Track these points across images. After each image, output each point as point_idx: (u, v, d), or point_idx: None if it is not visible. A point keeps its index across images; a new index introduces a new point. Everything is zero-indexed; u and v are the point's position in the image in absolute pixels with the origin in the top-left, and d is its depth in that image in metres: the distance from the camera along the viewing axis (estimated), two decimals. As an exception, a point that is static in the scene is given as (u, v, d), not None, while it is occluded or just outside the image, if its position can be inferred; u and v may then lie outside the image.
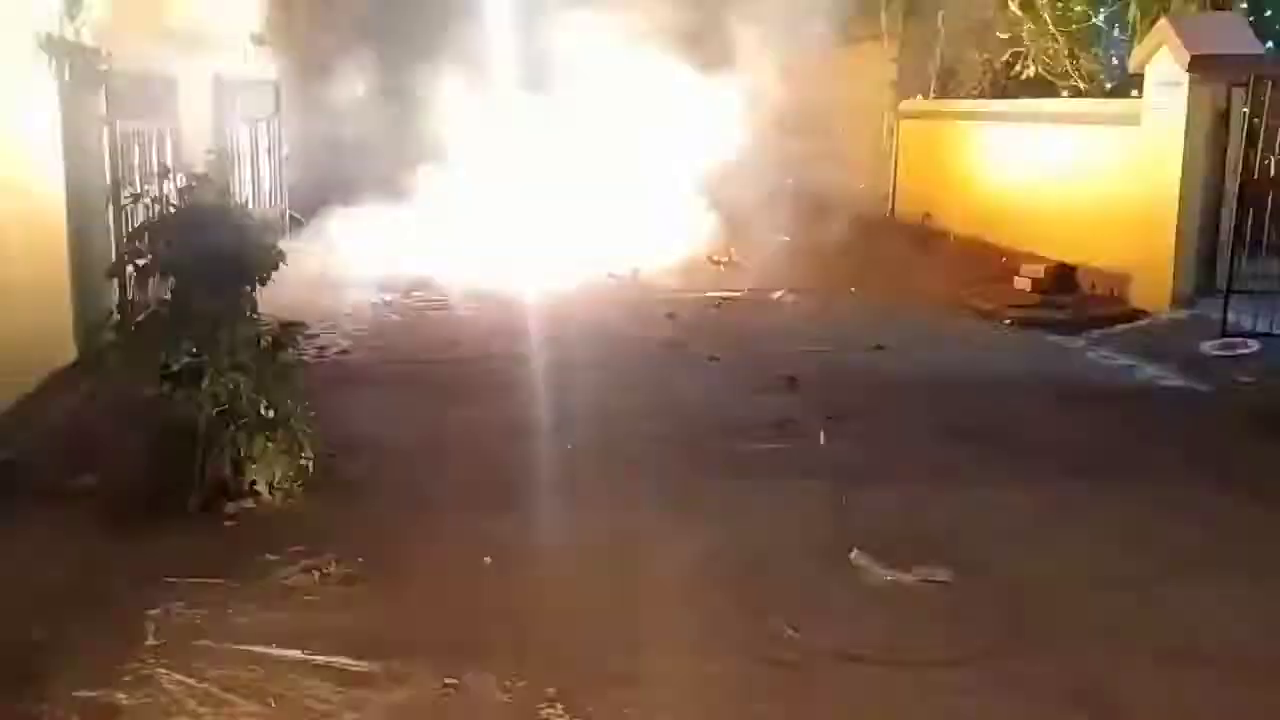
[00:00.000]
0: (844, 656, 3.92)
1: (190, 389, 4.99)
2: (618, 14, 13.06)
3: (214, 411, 4.98)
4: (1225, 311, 8.53)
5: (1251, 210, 8.73)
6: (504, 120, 14.48)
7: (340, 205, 13.23)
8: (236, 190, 10.54)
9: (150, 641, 3.92)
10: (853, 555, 4.72)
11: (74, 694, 3.59)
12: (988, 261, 12.14)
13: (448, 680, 3.70)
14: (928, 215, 14.32)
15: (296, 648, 3.89)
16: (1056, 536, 5.09)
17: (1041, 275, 11.01)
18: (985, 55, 13.75)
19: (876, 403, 7.20)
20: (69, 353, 6.58)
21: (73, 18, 6.81)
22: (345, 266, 10.97)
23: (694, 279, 11.60)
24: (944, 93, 15.03)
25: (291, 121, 14.10)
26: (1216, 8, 10.10)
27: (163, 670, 3.73)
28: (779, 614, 4.20)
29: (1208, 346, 8.46)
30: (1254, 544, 5.05)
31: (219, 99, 10.76)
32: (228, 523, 4.94)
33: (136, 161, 7.85)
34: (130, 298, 7.13)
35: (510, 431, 6.43)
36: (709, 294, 10.92)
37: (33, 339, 6.26)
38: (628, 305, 10.36)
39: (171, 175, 8.42)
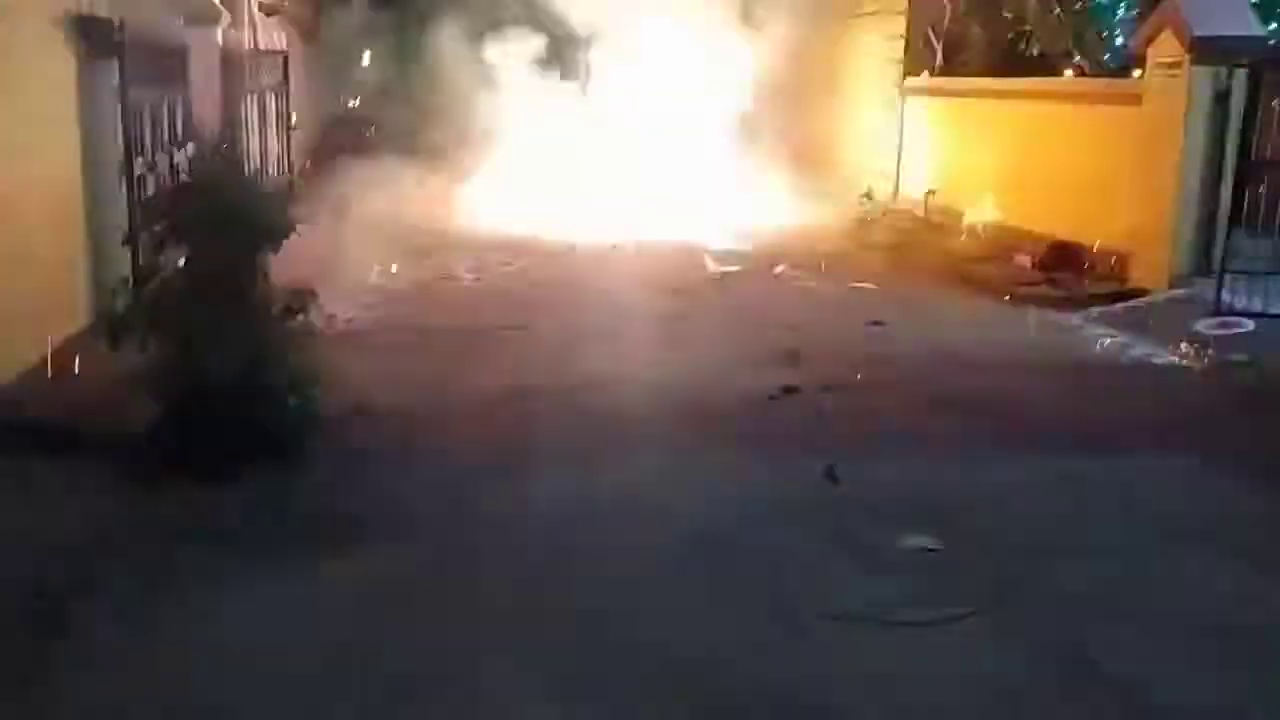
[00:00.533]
0: (837, 617, 4.06)
1: (203, 353, 5.12)
2: None
3: (226, 376, 5.10)
4: (1219, 291, 8.64)
5: (1248, 191, 8.83)
6: (524, 89, 14.55)
7: (352, 174, 13.38)
8: (246, 159, 10.66)
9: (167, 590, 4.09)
10: (844, 523, 4.87)
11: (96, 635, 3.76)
12: (989, 238, 12.25)
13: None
14: (931, 192, 14.39)
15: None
16: (1048, 506, 5.22)
17: (1041, 253, 11.11)
18: (990, 33, 13.78)
19: (873, 377, 7.33)
20: (84, 317, 6.71)
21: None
22: (356, 234, 11.10)
23: (698, 254, 11.71)
24: (949, 71, 15.07)
25: (300, 90, 14.19)
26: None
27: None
28: (776, 579, 4.35)
29: (1203, 325, 8.57)
30: (1239, 515, 5.18)
31: (229, 69, 10.84)
32: (240, 482, 5.08)
33: (149, 130, 7.95)
34: (143, 264, 7.27)
35: (512, 394, 6.58)
36: (710, 269, 11.03)
37: (50, 303, 6.40)
38: (630, 280, 10.46)
39: (183, 144, 8.59)
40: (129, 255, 7.37)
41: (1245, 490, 5.48)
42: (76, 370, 6.35)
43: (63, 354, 6.38)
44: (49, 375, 6.23)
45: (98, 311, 6.59)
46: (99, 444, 5.48)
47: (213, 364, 5.07)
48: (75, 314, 6.71)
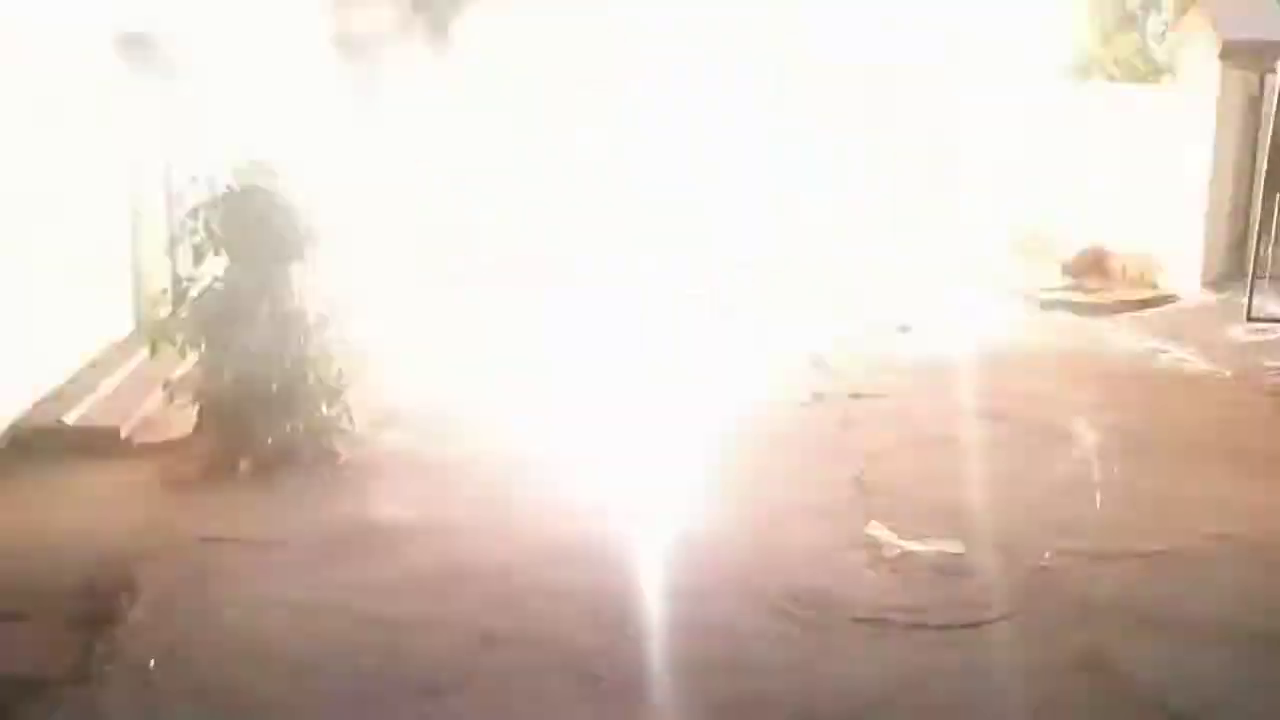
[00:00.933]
0: (861, 619, 4.12)
1: (241, 360, 5.26)
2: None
3: (264, 382, 5.24)
4: (1250, 296, 8.60)
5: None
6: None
7: None
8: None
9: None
10: (869, 527, 4.92)
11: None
12: (1021, 242, 12.19)
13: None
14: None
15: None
16: (1073, 512, 5.24)
17: (1073, 258, 11.07)
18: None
19: (901, 382, 7.36)
20: (127, 324, 6.88)
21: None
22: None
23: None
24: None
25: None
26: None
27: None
28: (796, 579, 4.42)
29: (1235, 331, 8.54)
30: (1271, 525, 5.17)
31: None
32: (277, 485, 5.21)
33: (189, 142, 8.11)
34: (183, 273, 7.43)
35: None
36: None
37: (94, 311, 6.57)
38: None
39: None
40: (170, 264, 7.54)
41: (1266, 493, 5.46)
42: (119, 377, 6.51)
43: (106, 360, 6.55)
44: (93, 381, 6.39)
45: (140, 320, 6.76)
46: (142, 449, 5.64)
47: (249, 371, 5.21)
48: (122, 320, 6.88)
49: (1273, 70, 9.02)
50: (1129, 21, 11.96)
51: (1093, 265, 10.91)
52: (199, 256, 5.75)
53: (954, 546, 4.75)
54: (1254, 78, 9.13)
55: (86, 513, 4.93)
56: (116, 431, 5.74)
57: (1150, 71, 11.54)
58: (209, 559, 4.49)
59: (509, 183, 11.28)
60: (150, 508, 4.99)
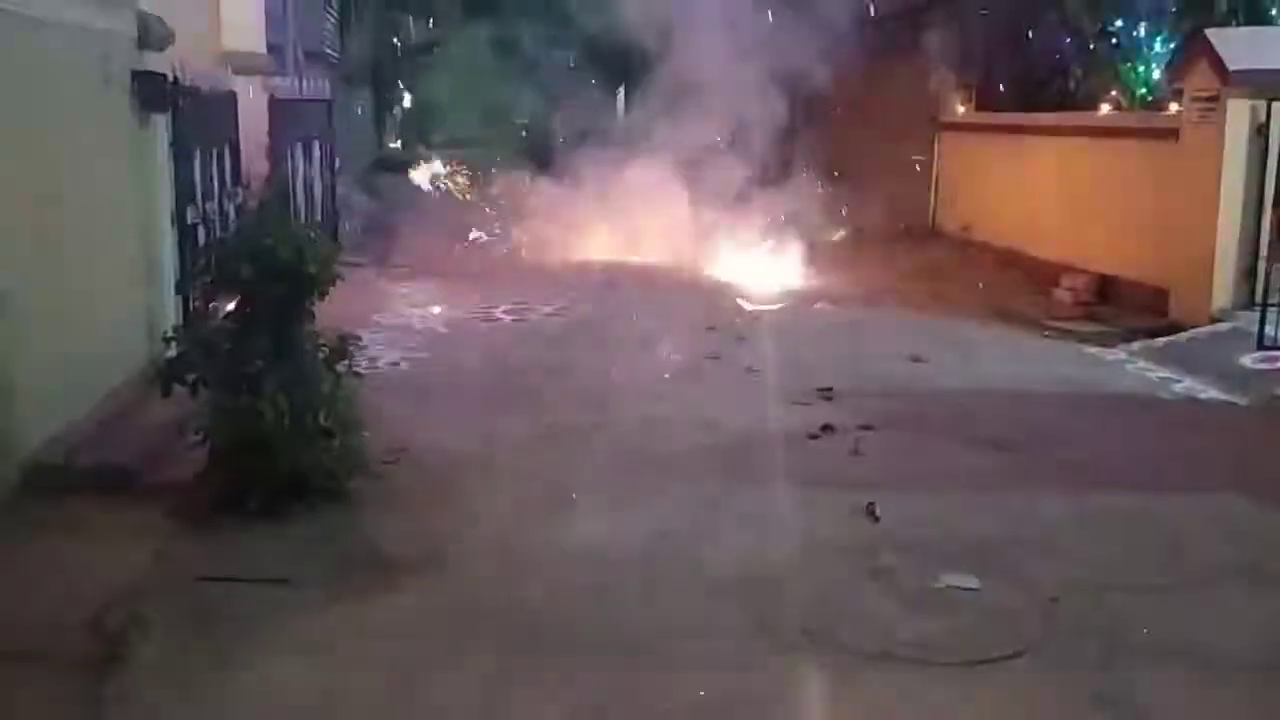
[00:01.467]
0: (877, 656, 4.08)
1: (253, 398, 5.26)
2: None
3: (275, 419, 5.24)
4: (1262, 325, 8.57)
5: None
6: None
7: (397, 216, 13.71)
8: (293, 207, 10.91)
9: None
10: (883, 560, 4.89)
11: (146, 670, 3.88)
12: (1028, 273, 12.23)
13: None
14: (966, 227, 14.39)
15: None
16: (1088, 546, 5.20)
17: (1081, 287, 11.08)
18: (1026, 67, 13.81)
19: (912, 414, 7.34)
20: (138, 363, 6.89)
21: (143, 47, 7.15)
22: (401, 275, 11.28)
23: (732, 288, 11.78)
24: (985, 105, 15.11)
25: (343, 134, 14.51)
26: (1255, 22, 10.11)
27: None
28: (810, 618, 4.38)
29: (1246, 360, 8.50)
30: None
31: (276, 117, 11.12)
32: (285, 523, 5.19)
33: (200, 180, 8.18)
34: (193, 311, 7.47)
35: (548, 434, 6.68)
36: (748, 307, 11.10)
37: (105, 349, 6.59)
38: (664, 320, 10.54)
39: (234, 193, 8.82)
40: (180, 303, 7.58)
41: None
42: (131, 415, 6.52)
43: (117, 399, 6.56)
44: (104, 420, 6.40)
45: (151, 358, 6.77)
46: (152, 487, 5.64)
47: (262, 409, 5.21)
48: (130, 360, 6.90)
49: (1279, 99, 9.04)
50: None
51: (1102, 293, 10.90)
52: (212, 295, 5.78)
53: (969, 581, 4.71)
54: (1260, 105, 9.15)
55: (95, 551, 4.92)
56: (126, 469, 5.75)
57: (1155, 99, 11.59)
58: (215, 599, 4.47)
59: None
60: (159, 546, 4.98)
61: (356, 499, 5.51)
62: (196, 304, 7.58)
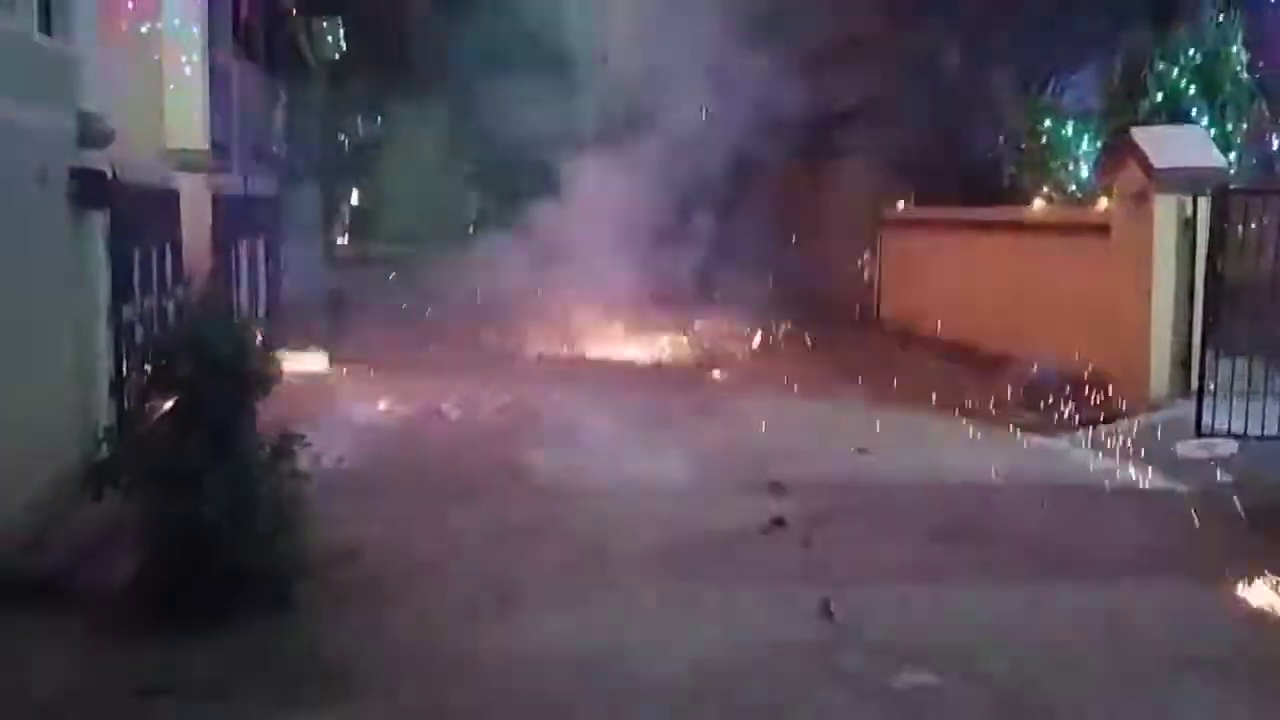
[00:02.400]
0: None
1: (191, 499, 5.10)
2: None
3: (214, 521, 5.08)
4: (1199, 413, 8.73)
5: (1221, 314, 9.00)
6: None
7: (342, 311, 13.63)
8: (236, 304, 10.80)
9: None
10: (840, 660, 4.81)
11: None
12: (971, 364, 12.40)
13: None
14: (909, 319, 14.62)
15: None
16: (1042, 636, 5.18)
17: (1023, 377, 11.22)
18: (962, 164, 14.22)
19: (862, 506, 7.32)
20: (69, 464, 6.68)
21: (84, 145, 7.10)
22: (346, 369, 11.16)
23: (680, 379, 11.79)
24: (922, 200, 15.49)
25: (290, 232, 14.49)
26: (1177, 121, 10.53)
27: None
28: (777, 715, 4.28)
29: (1187, 447, 8.63)
30: (1238, 643, 5.14)
31: (220, 214, 11.06)
32: (226, 629, 4.99)
33: (139, 277, 8.07)
34: (129, 410, 7.28)
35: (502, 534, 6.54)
36: (698, 396, 11.10)
37: (34, 451, 6.37)
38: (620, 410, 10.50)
39: (173, 291, 8.71)
40: (116, 402, 7.39)
41: (1244, 619, 5.44)
42: (62, 517, 6.29)
43: (48, 501, 6.33)
44: (33, 523, 6.16)
45: (84, 458, 6.57)
46: (84, 592, 5.41)
47: (200, 510, 5.05)
48: (62, 460, 6.69)
49: (1203, 194, 9.36)
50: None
51: (1044, 384, 11.05)
52: (149, 393, 5.64)
53: (927, 678, 4.65)
54: (1187, 200, 9.45)
55: (22, 663, 4.68)
56: (56, 574, 5.52)
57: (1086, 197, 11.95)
58: (151, 715, 4.26)
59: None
60: (91, 656, 4.75)
61: (299, 603, 5.32)
62: (132, 403, 7.39)
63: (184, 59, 10.27)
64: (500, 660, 4.85)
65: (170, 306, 8.51)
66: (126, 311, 7.70)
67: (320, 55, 18.95)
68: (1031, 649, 5.02)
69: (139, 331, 7.83)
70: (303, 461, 5.71)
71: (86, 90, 7.26)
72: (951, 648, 4.99)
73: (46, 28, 6.93)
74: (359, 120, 18.88)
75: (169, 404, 5.64)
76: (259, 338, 5.51)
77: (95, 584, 5.48)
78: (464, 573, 5.97)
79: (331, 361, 12.55)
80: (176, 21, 10.16)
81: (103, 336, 7.44)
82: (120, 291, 7.64)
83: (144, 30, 9.46)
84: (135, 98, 9.02)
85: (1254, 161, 10.66)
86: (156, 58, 9.83)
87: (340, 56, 19.47)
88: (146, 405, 6.98)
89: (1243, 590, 5.73)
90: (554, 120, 14.31)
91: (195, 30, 10.45)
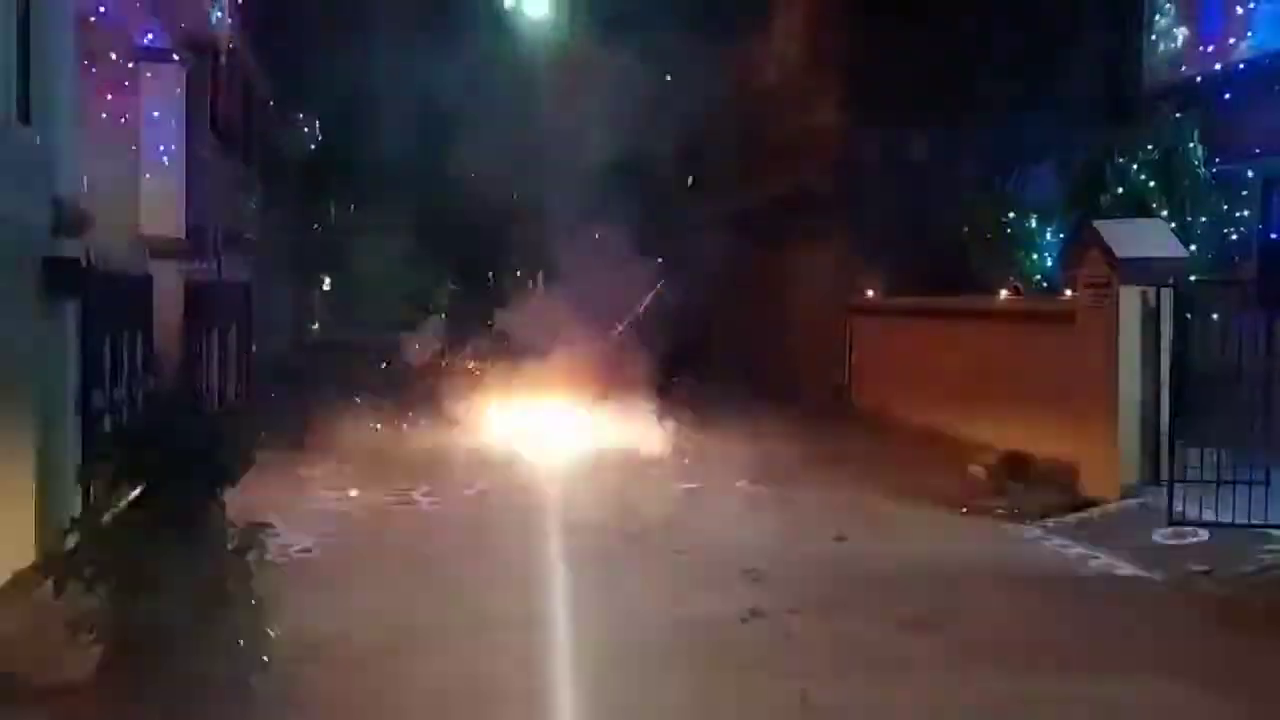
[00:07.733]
0: None
1: (154, 595, 4.99)
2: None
3: (177, 616, 4.96)
4: (1170, 501, 8.77)
5: (1189, 403, 9.11)
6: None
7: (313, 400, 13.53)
8: (206, 392, 10.72)
9: None
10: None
11: None
12: (942, 450, 12.45)
13: None
14: (880, 406, 14.71)
15: None
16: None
17: (993, 465, 11.28)
18: (929, 252, 14.47)
19: (838, 595, 7.27)
20: (30, 556, 6.54)
21: (57, 233, 7.10)
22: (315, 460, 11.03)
23: (653, 469, 11.75)
24: (891, 289, 15.72)
25: (263, 319, 14.48)
26: (1141, 214, 10.78)
27: None
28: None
29: (1159, 535, 8.66)
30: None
31: (192, 301, 11.04)
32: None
33: (109, 365, 8.01)
34: (96, 500, 7.14)
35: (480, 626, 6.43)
36: (671, 485, 11.05)
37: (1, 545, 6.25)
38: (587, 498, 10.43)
39: (143, 380, 8.64)
40: (82, 492, 7.26)
41: (1220, 714, 5.40)
42: (20, 613, 6.13)
43: (6, 596, 6.18)
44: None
45: (45, 551, 6.43)
46: (41, 690, 5.24)
47: (163, 605, 4.94)
48: (23, 553, 6.54)
49: (1166, 284, 9.54)
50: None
51: (1014, 471, 11.10)
52: (116, 483, 5.54)
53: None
54: (1150, 290, 9.62)
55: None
56: (12, 675, 5.35)
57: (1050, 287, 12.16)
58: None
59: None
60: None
61: (261, 699, 5.17)
62: (99, 493, 7.26)
63: (161, 149, 10.37)
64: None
65: (140, 394, 8.43)
66: (96, 398, 7.61)
67: (295, 147, 19.19)
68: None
69: (108, 420, 7.74)
70: (269, 551, 5.61)
71: (64, 177, 7.29)
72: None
73: (25, 117, 6.98)
74: (331, 209, 19.03)
75: (134, 494, 5.55)
76: (229, 427, 5.45)
77: (53, 682, 5.31)
78: (428, 668, 5.81)
79: (302, 447, 12.42)
80: (155, 114, 10.27)
81: (71, 425, 7.35)
82: (90, 379, 7.57)
83: (123, 120, 9.55)
84: (112, 185, 9.07)
85: (1210, 255, 10.90)
86: (135, 147, 9.91)
87: (315, 147, 19.74)
88: (113, 495, 6.87)
89: (1210, 683, 5.69)
90: (522, 209, 14.54)
91: (174, 122, 10.57)
